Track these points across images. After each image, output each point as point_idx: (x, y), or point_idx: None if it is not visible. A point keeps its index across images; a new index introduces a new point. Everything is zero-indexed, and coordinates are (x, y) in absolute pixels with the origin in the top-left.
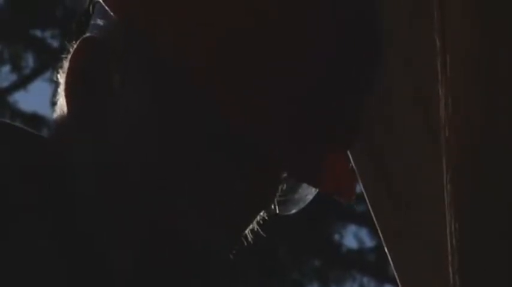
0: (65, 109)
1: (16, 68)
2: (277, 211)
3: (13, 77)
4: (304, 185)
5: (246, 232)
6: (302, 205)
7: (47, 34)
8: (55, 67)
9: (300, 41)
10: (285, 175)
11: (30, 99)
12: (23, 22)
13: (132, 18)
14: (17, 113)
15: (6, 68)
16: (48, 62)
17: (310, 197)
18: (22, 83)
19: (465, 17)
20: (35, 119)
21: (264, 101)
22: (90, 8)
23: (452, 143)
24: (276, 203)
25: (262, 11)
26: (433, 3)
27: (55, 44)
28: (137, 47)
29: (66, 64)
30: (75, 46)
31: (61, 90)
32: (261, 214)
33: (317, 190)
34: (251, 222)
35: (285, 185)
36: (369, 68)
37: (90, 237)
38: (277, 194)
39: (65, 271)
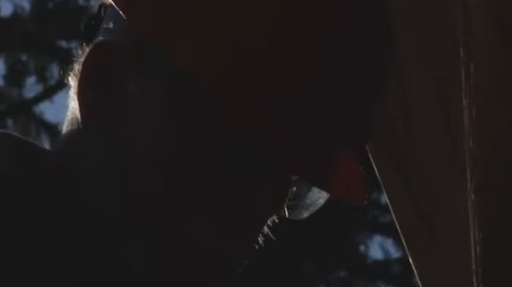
0: (77, 113)
1: (41, 79)
2: (289, 216)
3: (39, 88)
4: (316, 190)
5: (259, 237)
6: (313, 210)
7: (73, 45)
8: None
9: (312, 55)
10: (295, 178)
11: (55, 110)
12: (49, 33)
13: (145, 26)
14: (42, 124)
15: (32, 79)
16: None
17: (321, 201)
18: (47, 94)
19: (489, 27)
20: (60, 130)
21: (276, 110)
22: (101, 11)
23: (476, 154)
24: (288, 208)
25: (276, 28)
26: (458, 14)
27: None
28: (150, 54)
29: (78, 67)
30: (88, 50)
31: (73, 94)
32: (273, 218)
33: (328, 194)
34: (263, 226)
35: (295, 190)
36: (380, 80)
37: (105, 245)
38: (288, 198)
39: (78, 280)
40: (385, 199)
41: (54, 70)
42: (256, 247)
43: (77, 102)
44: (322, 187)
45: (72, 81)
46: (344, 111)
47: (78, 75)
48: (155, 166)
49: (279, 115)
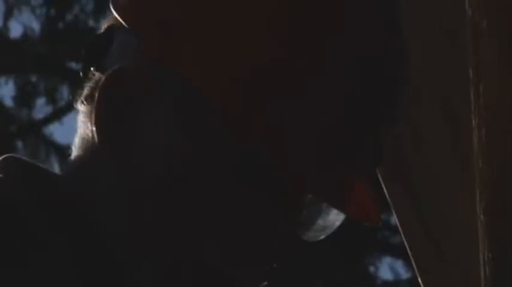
0: (88, 138)
1: (51, 100)
2: (305, 238)
3: (48, 109)
4: (332, 212)
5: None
6: (329, 232)
7: None
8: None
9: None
10: (311, 200)
11: (65, 132)
12: (59, 54)
13: (158, 51)
14: (52, 145)
15: (42, 100)
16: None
17: (337, 223)
18: (57, 115)
19: (499, 48)
20: (70, 152)
21: (290, 130)
22: (108, 33)
23: (485, 174)
24: (303, 230)
25: (285, 48)
26: (467, 34)
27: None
28: (164, 79)
29: (87, 92)
30: (102, 77)
31: (83, 118)
32: (287, 240)
33: (344, 216)
34: (278, 249)
35: (311, 212)
36: (391, 101)
37: (114, 266)
38: (302, 219)
39: None
40: (394, 219)
41: (64, 91)
42: (271, 268)
43: (90, 127)
44: (339, 208)
45: (82, 106)
46: (356, 134)
47: (95, 103)
48: (166, 189)
49: (294, 137)
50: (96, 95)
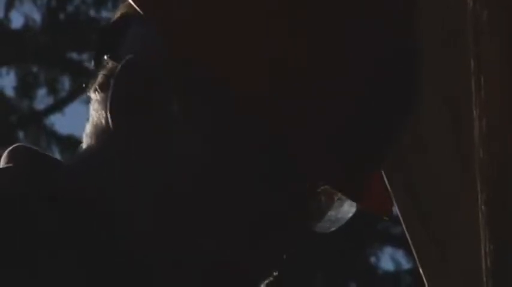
0: (102, 126)
1: (52, 90)
2: (317, 230)
3: (49, 100)
4: (344, 204)
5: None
6: (341, 223)
7: (84, 57)
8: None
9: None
10: (323, 192)
11: (66, 122)
12: (60, 45)
13: (179, 42)
14: (53, 136)
15: (43, 91)
16: (84, 85)
17: (349, 215)
18: (58, 105)
19: (500, 39)
20: (71, 142)
21: (310, 124)
22: (120, 21)
23: (486, 165)
24: (315, 222)
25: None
26: (468, 25)
27: (91, 66)
28: (180, 70)
29: (100, 81)
30: (120, 67)
31: (95, 107)
32: (302, 232)
33: (355, 208)
34: (293, 243)
35: (323, 203)
36: (402, 101)
37: (126, 261)
38: (316, 212)
39: None
40: (395, 210)
41: (65, 82)
42: (283, 260)
43: (104, 115)
44: (356, 199)
45: (95, 94)
46: (373, 131)
47: (110, 91)
48: (184, 184)
49: (313, 130)
50: (112, 83)
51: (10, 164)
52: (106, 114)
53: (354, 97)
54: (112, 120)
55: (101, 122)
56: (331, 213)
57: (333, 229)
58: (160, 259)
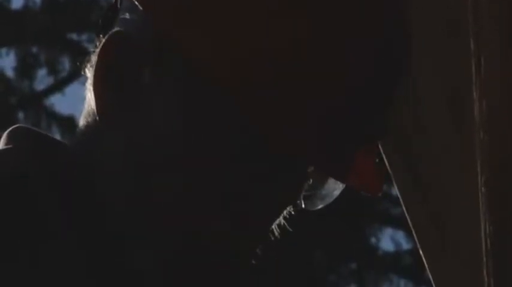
0: (93, 104)
1: (53, 71)
2: (304, 207)
3: (49, 80)
4: (331, 181)
5: (274, 227)
6: (329, 201)
7: (84, 37)
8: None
9: (332, 53)
10: (311, 169)
11: (66, 103)
12: (60, 25)
13: (162, 20)
14: (53, 116)
15: (43, 71)
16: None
17: (337, 193)
18: (58, 86)
19: (499, 19)
20: (72, 122)
21: (293, 106)
22: (118, 2)
23: (486, 146)
24: (303, 199)
25: (297, 27)
26: (467, 6)
27: (91, 47)
28: (167, 47)
29: (94, 58)
30: (103, 40)
31: (88, 85)
32: (288, 208)
33: (344, 186)
34: (278, 217)
35: (311, 181)
36: (396, 81)
37: (119, 239)
38: (304, 190)
39: (89, 278)
40: (396, 191)
41: (65, 62)
42: (271, 238)
43: (92, 93)
44: (338, 176)
45: (88, 73)
46: (357, 108)
47: (94, 66)
48: (171, 164)
49: (295, 111)
50: (95, 58)
51: (10, 145)
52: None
53: (334, 77)
54: (95, 99)
55: (90, 102)
56: (318, 190)
57: (320, 206)
58: (136, 228)
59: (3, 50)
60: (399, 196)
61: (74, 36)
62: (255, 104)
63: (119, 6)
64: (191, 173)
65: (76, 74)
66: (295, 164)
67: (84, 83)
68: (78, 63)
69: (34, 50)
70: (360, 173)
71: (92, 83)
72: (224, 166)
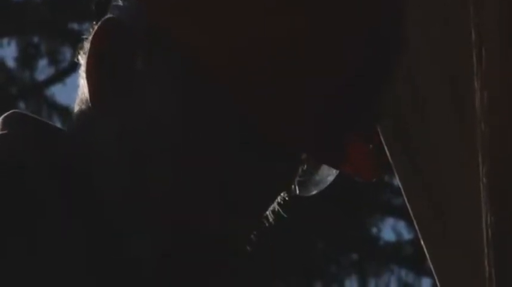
0: (86, 91)
1: (54, 61)
2: (299, 193)
3: (50, 71)
4: (325, 167)
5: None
6: (322, 187)
7: (85, 27)
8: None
9: (324, 43)
10: (305, 156)
11: (67, 93)
12: (61, 16)
13: (156, 9)
14: (54, 106)
15: (44, 62)
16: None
17: (331, 178)
18: (59, 76)
19: (501, 9)
20: (72, 112)
21: (286, 96)
22: None
23: (487, 137)
24: (296, 185)
25: (294, 24)
26: None
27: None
28: (160, 35)
29: (87, 45)
30: (96, 27)
31: (82, 72)
32: (282, 195)
33: (337, 172)
34: (272, 204)
35: (305, 167)
36: (387, 63)
37: (117, 229)
38: (298, 176)
39: (88, 268)
40: (397, 181)
41: (66, 52)
42: (266, 225)
43: (85, 80)
44: (331, 163)
45: (82, 60)
46: (350, 96)
47: (87, 53)
48: (164, 151)
49: (292, 106)
50: (88, 45)
51: (5, 131)
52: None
53: (331, 74)
54: (86, 80)
55: (84, 89)
56: (312, 176)
57: (314, 191)
58: (132, 217)
59: (5, 40)
60: (400, 186)
61: (75, 26)
62: (250, 99)
63: None
64: (185, 160)
65: (77, 65)
66: (289, 152)
67: None
68: (73, 54)
69: (35, 40)
70: (353, 159)
71: (85, 70)
72: (218, 154)
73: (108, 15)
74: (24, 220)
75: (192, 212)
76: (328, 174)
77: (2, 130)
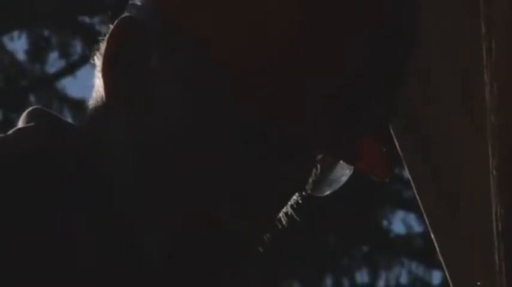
0: (101, 90)
1: (64, 54)
2: (312, 193)
3: (61, 64)
4: (339, 167)
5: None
6: (336, 187)
7: (95, 20)
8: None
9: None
10: (320, 156)
11: (78, 86)
12: (71, 9)
13: (170, 7)
14: (65, 99)
15: (55, 55)
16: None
17: (344, 178)
18: (70, 69)
19: (510, 2)
20: (83, 105)
21: (299, 92)
22: None
23: (497, 128)
24: (311, 185)
25: (295, 24)
26: None
27: (103, 30)
28: (175, 34)
29: (103, 45)
30: (112, 26)
31: (97, 71)
32: (296, 196)
33: (351, 172)
34: (286, 205)
35: (319, 167)
36: (399, 60)
37: (123, 225)
38: (312, 176)
39: (99, 260)
40: (407, 174)
41: (77, 45)
42: (279, 225)
43: (100, 79)
44: (348, 160)
45: (97, 60)
46: (362, 93)
47: (103, 52)
48: (176, 149)
49: (288, 100)
50: (104, 45)
51: (32, 123)
52: (99, 77)
53: (327, 69)
54: (102, 79)
55: (98, 86)
56: (327, 176)
57: (328, 192)
58: (142, 212)
59: (15, 33)
60: (410, 178)
61: (85, 19)
62: (250, 99)
63: None
64: (192, 160)
65: (87, 58)
66: (290, 152)
67: (95, 66)
68: (89, 47)
69: (46, 33)
70: (368, 158)
71: (101, 69)
72: (228, 149)
73: (125, 14)
74: (45, 200)
75: (201, 209)
76: (342, 174)
77: (28, 123)
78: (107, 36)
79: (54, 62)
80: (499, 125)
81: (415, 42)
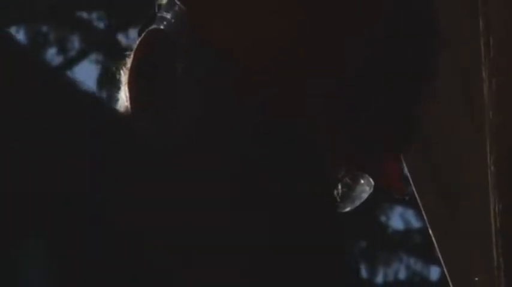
0: (126, 102)
1: (62, 50)
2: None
3: (59, 59)
4: (361, 184)
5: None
6: (357, 203)
7: (93, 16)
8: (101, 49)
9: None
10: (343, 173)
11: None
12: (69, 4)
13: (198, 20)
14: None
15: (53, 50)
16: (94, 44)
17: (365, 195)
18: (68, 65)
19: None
20: None
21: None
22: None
23: (496, 125)
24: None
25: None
26: None
27: (101, 25)
28: (200, 46)
29: (130, 58)
30: (140, 38)
31: (123, 85)
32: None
33: (372, 189)
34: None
35: (342, 184)
36: (418, 81)
37: None
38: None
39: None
40: (405, 170)
41: (75, 41)
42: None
43: (127, 91)
44: (373, 175)
45: (123, 74)
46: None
47: (130, 64)
48: (200, 160)
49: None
50: (131, 56)
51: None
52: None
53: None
54: (127, 90)
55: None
56: (349, 193)
57: (349, 208)
58: None
59: (13, 29)
60: (408, 174)
61: (83, 15)
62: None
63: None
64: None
65: (85, 53)
66: (327, 161)
67: (93, 62)
68: (90, 43)
69: (44, 28)
70: (387, 175)
71: (127, 82)
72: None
73: (152, 27)
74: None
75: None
76: (363, 191)
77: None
78: (134, 49)
79: (52, 57)
80: (497, 121)
81: (423, 41)
